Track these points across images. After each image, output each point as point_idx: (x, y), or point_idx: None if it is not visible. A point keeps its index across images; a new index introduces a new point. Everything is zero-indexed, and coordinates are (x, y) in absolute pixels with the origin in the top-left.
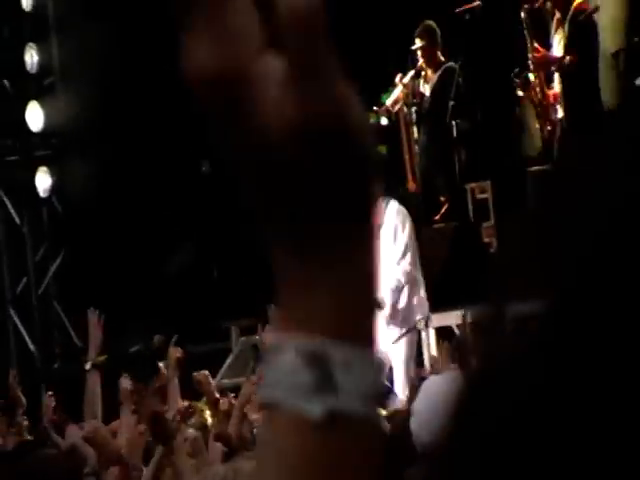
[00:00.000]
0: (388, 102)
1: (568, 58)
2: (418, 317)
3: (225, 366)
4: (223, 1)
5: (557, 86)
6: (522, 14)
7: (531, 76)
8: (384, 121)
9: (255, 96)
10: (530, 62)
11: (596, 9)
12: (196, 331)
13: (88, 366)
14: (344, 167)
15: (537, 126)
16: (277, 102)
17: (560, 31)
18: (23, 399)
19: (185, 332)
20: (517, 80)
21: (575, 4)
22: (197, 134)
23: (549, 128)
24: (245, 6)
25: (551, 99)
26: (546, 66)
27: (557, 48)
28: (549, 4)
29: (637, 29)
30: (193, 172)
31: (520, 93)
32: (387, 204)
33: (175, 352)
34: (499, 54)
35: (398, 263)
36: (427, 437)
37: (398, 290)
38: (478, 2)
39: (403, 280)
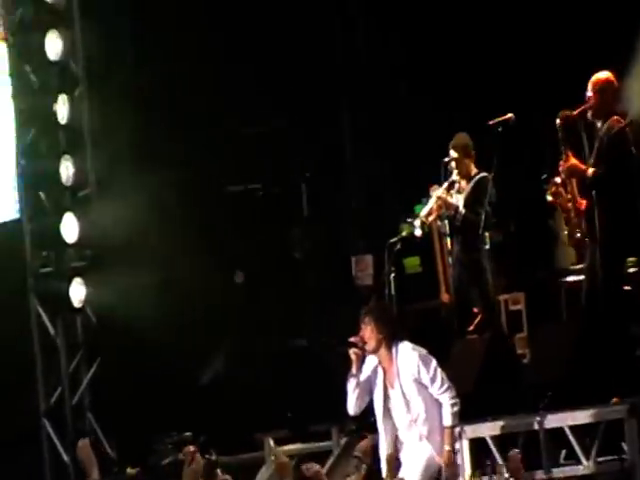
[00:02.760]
0: (422, 213)
1: (591, 170)
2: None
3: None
4: None
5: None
6: (557, 121)
7: (558, 180)
8: (418, 232)
9: None
10: (560, 169)
11: (630, 123)
12: (229, 442)
13: None
14: None
15: (565, 232)
16: None
17: (595, 144)
18: None
19: (218, 443)
20: (546, 185)
21: (609, 121)
22: (230, 244)
23: (578, 236)
24: None
25: (582, 208)
26: (574, 175)
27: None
28: (590, 115)
29: None
30: (227, 281)
31: (549, 198)
32: (397, 349)
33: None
34: (532, 166)
35: (445, 392)
36: None
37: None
38: (511, 115)
39: (459, 405)
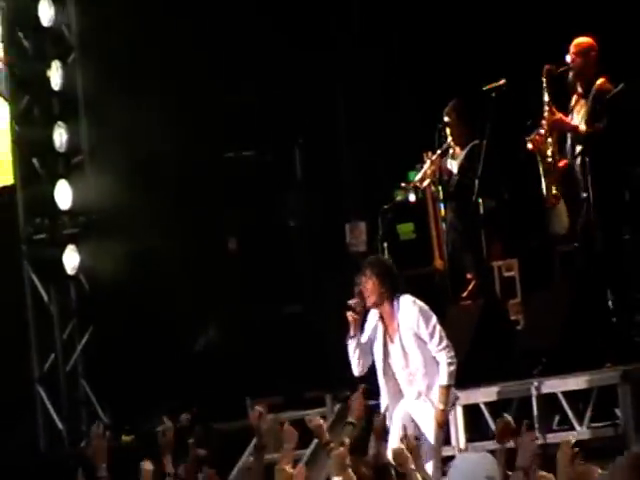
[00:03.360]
0: (416, 179)
1: (585, 128)
2: (452, 399)
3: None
4: None
5: (577, 165)
6: (543, 74)
7: (541, 131)
8: (412, 198)
9: None
10: (544, 122)
11: (622, 91)
12: (222, 409)
13: None
14: None
15: (563, 205)
16: None
17: (581, 105)
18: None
19: (211, 410)
20: (528, 137)
21: (598, 83)
22: (223, 211)
23: (555, 192)
24: None
25: (561, 166)
26: (560, 129)
27: (577, 120)
28: (571, 75)
29: None
30: (220, 249)
31: (530, 145)
32: (398, 302)
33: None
34: (525, 131)
35: (443, 350)
36: None
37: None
38: (504, 80)
39: (456, 361)
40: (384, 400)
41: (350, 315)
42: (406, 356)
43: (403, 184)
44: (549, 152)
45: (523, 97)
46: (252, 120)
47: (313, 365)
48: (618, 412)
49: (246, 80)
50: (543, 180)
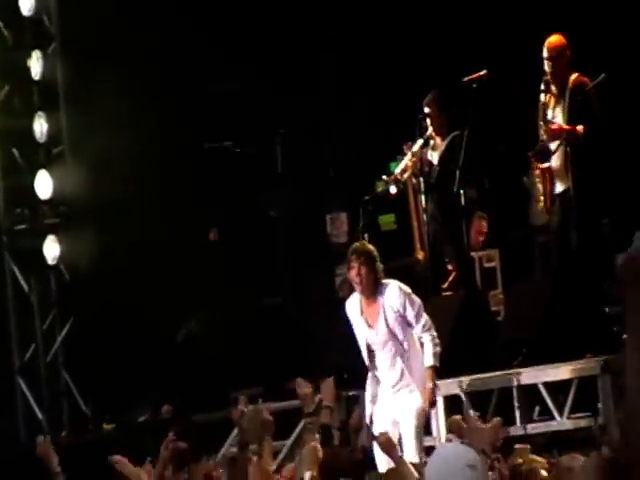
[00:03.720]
0: (397, 170)
1: (580, 128)
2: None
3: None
4: None
5: (556, 160)
6: (542, 85)
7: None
8: (393, 190)
9: None
10: (544, 132)
11: (601, 82)
12: (203, 400)
13: None
14: None
15: (541, 199)
16: None
17: (559, 105)
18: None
19: (192, 401)
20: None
21: (573, 79)
22: (204, 202)
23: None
24: None
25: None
26: (560, 136)
27: (560, 119)
28: (548, 76)
29: None
30: (201, 240)
31: (540, 166)
32: (383, 287)
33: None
34: (506, 122)
35: (427, 331)
36: None
37: (417, 360)
38: (485, 71)
39: (436, 350)
40: (369, 388)
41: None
42: (391, 340)
43: (384, 176)
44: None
45: (504, 88)
46: (234, 111)
47: (294, 356)
48: (598, 402)
49: (228, 70)
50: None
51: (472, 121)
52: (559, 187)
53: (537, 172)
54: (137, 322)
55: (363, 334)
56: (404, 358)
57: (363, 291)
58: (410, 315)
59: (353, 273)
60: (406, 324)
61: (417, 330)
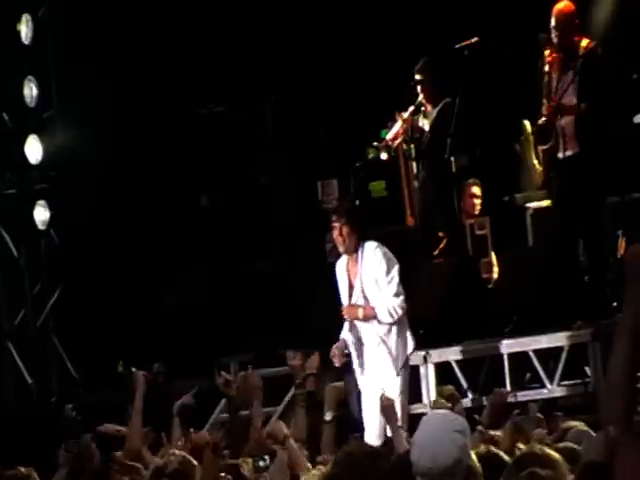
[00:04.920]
0: (388, 137)
1: (583, 105)
2: (409, 352)
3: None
4: None
5: (564, 125)
6: (544, 65)
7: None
8: (384, 156)
9: None
10: (545, 109)
11: (599, 44)
12: (193, 366)
13: None
14: None
15: (535, 162)
16: None
17: (568, 73)
18: None
19: (182, 367)
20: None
21: (585, 45)
22: (195, 167)
23: (551, 167)
24: None
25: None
26: (562, 113)
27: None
28: (556, 44)
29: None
30: (191, 205)
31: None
32: (363, 247)
33: (140, 376)
34: (497, 89)
35: (396, 296)
36: (427, 463)
37: (395, 323)
38: (476, 38)
39: (400, 314)
40: (349, 344)
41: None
42: (366, 300)
43: (375, 142)
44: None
45: (496, 55)
46: (225, 77)
47: (284, 322)
48: (588, 370)
49: (219, 36)
50: (536, 161)
51: (463, 88)
52: (567, 152)
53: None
54: (127, 287)
55: (345, 293)
56: (378, 321)
57: (346, 251)
58: (383, 277)
59: (335, 233)
60: (380, 286)
61: (387, 293)
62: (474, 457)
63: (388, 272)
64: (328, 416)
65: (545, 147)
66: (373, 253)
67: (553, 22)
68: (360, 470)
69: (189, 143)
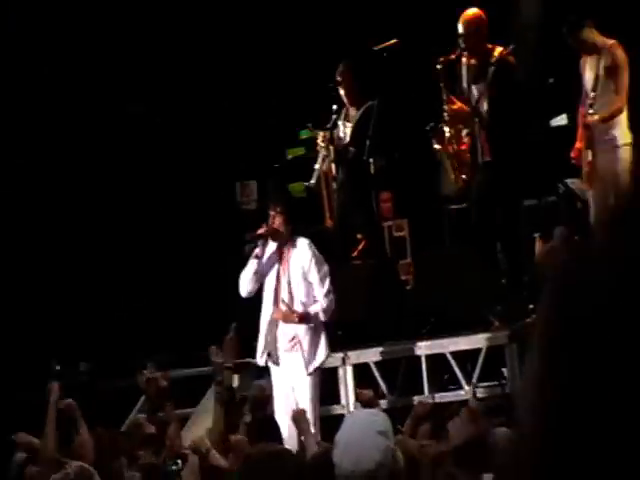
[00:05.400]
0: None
1: (486, 108)
2: (323, 356)
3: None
4: None
5: (480, 129)
6: (438, 67)
7: (446, 129)
8: (320, 138)
9: None
10: (446, 115)
11: (512, 50)
12: (112, 366)
13: None
14: None
15: (452, 176)
16: None
17: (480, 81)
18: None
19: (100, 367)
20: (432, 134)
21: (497, 53)
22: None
23: (464, 177)
24: None
25: (464, 153)
26: (461, 118)
27: (478, 96)
28: (464, 55)
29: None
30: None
31: (437, 146)
32: (294, 241)
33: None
34: (416, 92)
35: (325, 297)
36: (349, 466)
37: (316, 323)
38: (395, 40)
39: (330, 314)
40: (261, 341)
41: (263, 231)
42: (291, 294)
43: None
44: (453, 142)
45: (415, 56)
46: (145, 77)
47: (205, 323)
48: (505, 372)
49: (134, 38)
50: (451, 171)
51: (383, 90)
52: (485, 157)
53: (450, 160)
54: (55, 286)
55: (271, 284)
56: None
57: (278, 239)
58: (314, 276)
59: (270, 222)
60: (308, 283)
61: (318, 293)
62: (400, 456)
63: (319, 270)
64: (247, 418)
65: (439, 147)
66: (305, 249)
67: (460, 29)
68: (263, 472)
69: (103, 143)
